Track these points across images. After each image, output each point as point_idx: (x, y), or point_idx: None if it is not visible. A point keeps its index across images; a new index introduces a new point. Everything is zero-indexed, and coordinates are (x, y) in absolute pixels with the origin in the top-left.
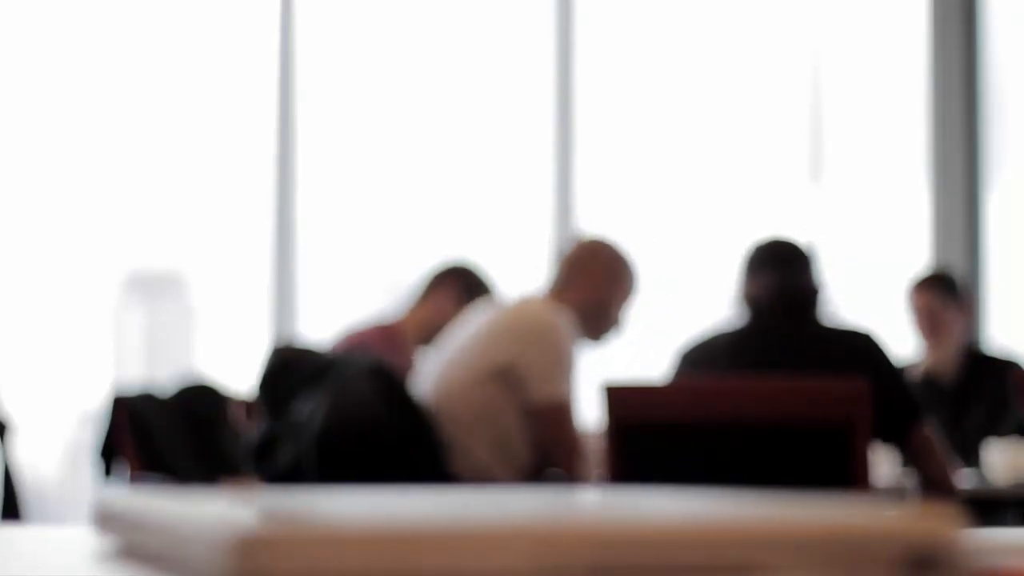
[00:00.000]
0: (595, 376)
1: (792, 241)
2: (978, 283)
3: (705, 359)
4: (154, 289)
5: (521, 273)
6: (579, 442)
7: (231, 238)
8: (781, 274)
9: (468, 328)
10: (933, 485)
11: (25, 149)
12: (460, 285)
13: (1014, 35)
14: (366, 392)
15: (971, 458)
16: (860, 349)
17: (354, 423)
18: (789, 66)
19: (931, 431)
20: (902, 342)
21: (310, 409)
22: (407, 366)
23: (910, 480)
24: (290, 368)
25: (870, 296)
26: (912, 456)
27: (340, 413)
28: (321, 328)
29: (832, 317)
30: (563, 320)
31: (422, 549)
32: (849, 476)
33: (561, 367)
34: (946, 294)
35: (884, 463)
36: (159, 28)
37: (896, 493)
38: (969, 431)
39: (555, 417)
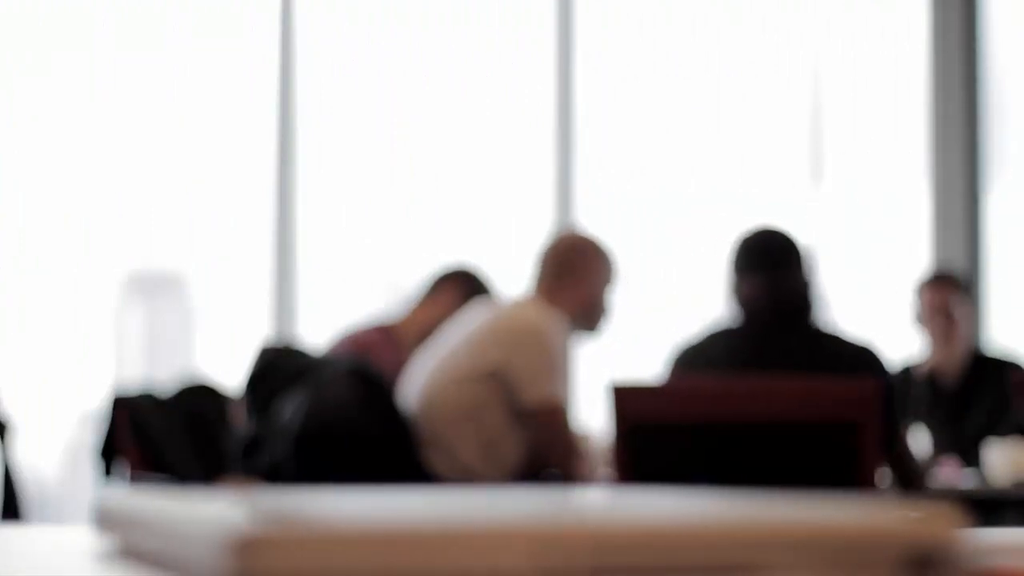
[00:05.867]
0: (600, 376)
1: (781, 235)
2: (978, 283)
3: (699, 361)
4: (154, 289)
5: (521, 273)
6: (575, 442)
7: (231, 238)
8: (773, 275)
9: (459, 330)
10: (908, 484)
11: (26, 150)
12: (462, 288)
13: (1014, 35)
14: (342, 394)
15: (971, 458)
16: (859, 362)
17: (329, 424)
18: (790, 66)
19: (904, 433)
20: (901, 342)
21: (291, 410)
22: (405, 367)
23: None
24: (276, 368)
25: (870, 296)
26: (891, 460)
27: (316, 414)
28: (321, 329)
29: (828, 321)
30: (553, 322)
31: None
32: (855, 477)
33: (552, 369)
34: (959, 292)
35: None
36: (160, 29)
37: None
38: (969, 431)
39: (549, 418)
